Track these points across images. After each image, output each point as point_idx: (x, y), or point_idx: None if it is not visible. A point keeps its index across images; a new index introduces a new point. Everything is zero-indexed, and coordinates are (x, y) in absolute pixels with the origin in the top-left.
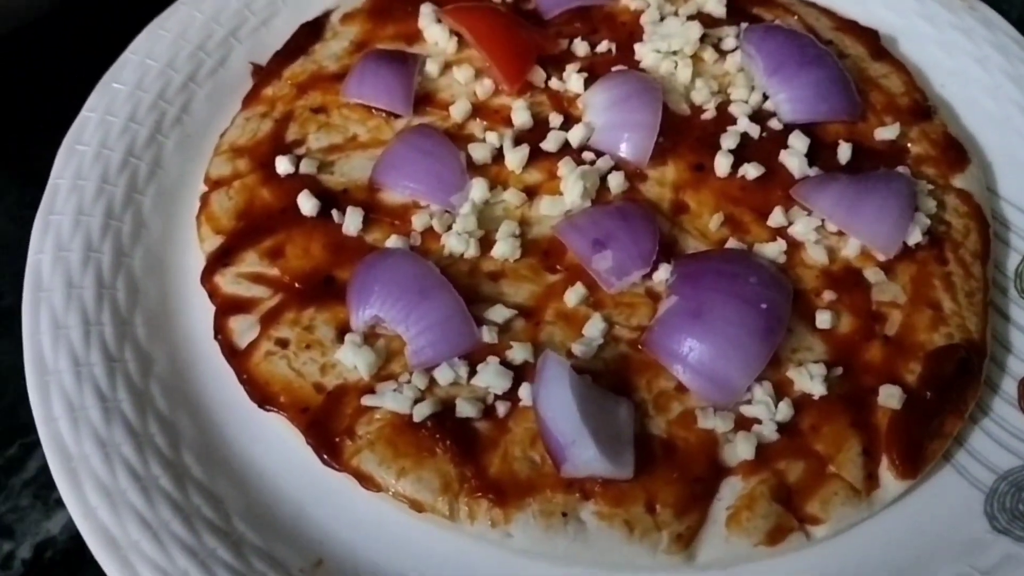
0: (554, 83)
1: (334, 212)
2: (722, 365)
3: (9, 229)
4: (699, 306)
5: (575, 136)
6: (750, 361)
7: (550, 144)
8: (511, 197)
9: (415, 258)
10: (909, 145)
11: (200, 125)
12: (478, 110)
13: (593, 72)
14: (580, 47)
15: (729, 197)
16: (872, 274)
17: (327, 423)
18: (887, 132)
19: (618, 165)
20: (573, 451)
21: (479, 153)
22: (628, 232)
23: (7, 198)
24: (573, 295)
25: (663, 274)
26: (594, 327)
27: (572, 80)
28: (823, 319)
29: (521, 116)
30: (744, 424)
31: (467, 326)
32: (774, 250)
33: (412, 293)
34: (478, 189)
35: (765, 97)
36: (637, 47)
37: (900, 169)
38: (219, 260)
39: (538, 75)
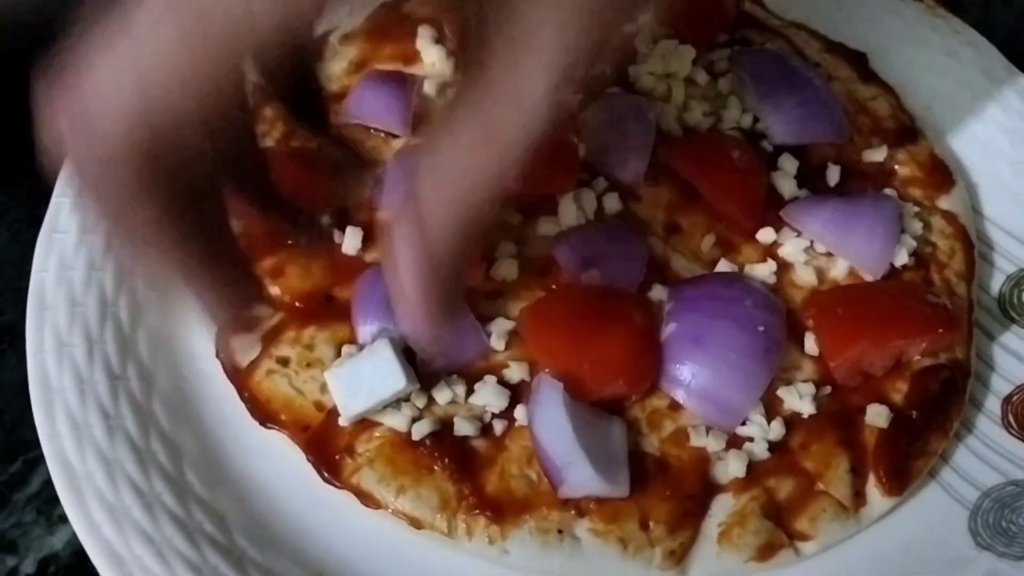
0: None
1: (334, 231)
2: (725, 389)
3: (10, 246)
4: (698, 332)
5: None
6: (752, 383)
7: None
8: (508, 216)
9: None
10: (896, 167)
11: None
12: None
13: (587, 93)
14: None
15: (720, 218)
16: None
17: (327, 441)
18: (875, 154)
19: (612, 186)
20: (570, 473)
21: None
22: (617, 252)
23: (8, 215)
24: None
25: (656, 294)
26: None
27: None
28: (812, 340)
29: None
30: (736, 442)
31: (476, 333)
32: (764, 271)
33: None
34: None
35: (756, 119)
36: (631, 69)
37: (887, 191)
38: None
39: None
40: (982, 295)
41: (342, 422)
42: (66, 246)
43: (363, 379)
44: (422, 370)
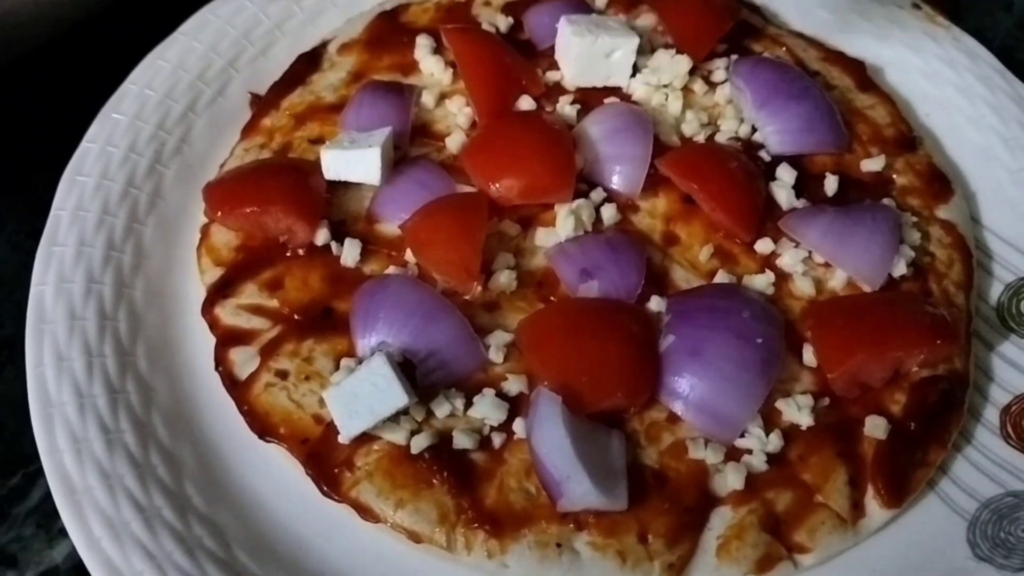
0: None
1: (332, 243)
2: (724, 401)
3: (10, 258)
4: (696, 344)
5: None
6: (750, 395)
7: None
8: (506, 228)
9: (417, 283)
10: (894, 176)
11: (200, 155)
12: None
13: (585, 104)
14: None
15: (719, 229)
16: None
17: (326, 454)
18: (873, 163)
19: (610, 197)
20: (569, 487)
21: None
22: (615, 263)
23: (8, 227)
24: None
25: (654, 305)
26: None
27: (565, 112)
28: (810, 351)
29: None
30: (734, 455)
31: (474, 345)
32: (762, 282)
33: (418, 317)
34: None
35: (754, 129)
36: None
37: (885, 200)
38: (219, 292)
39: (531, 107)
40: (981, 305)
41: (342, 440)
42: (65, 259)
43: (362, 398)
44: (420, 383)
